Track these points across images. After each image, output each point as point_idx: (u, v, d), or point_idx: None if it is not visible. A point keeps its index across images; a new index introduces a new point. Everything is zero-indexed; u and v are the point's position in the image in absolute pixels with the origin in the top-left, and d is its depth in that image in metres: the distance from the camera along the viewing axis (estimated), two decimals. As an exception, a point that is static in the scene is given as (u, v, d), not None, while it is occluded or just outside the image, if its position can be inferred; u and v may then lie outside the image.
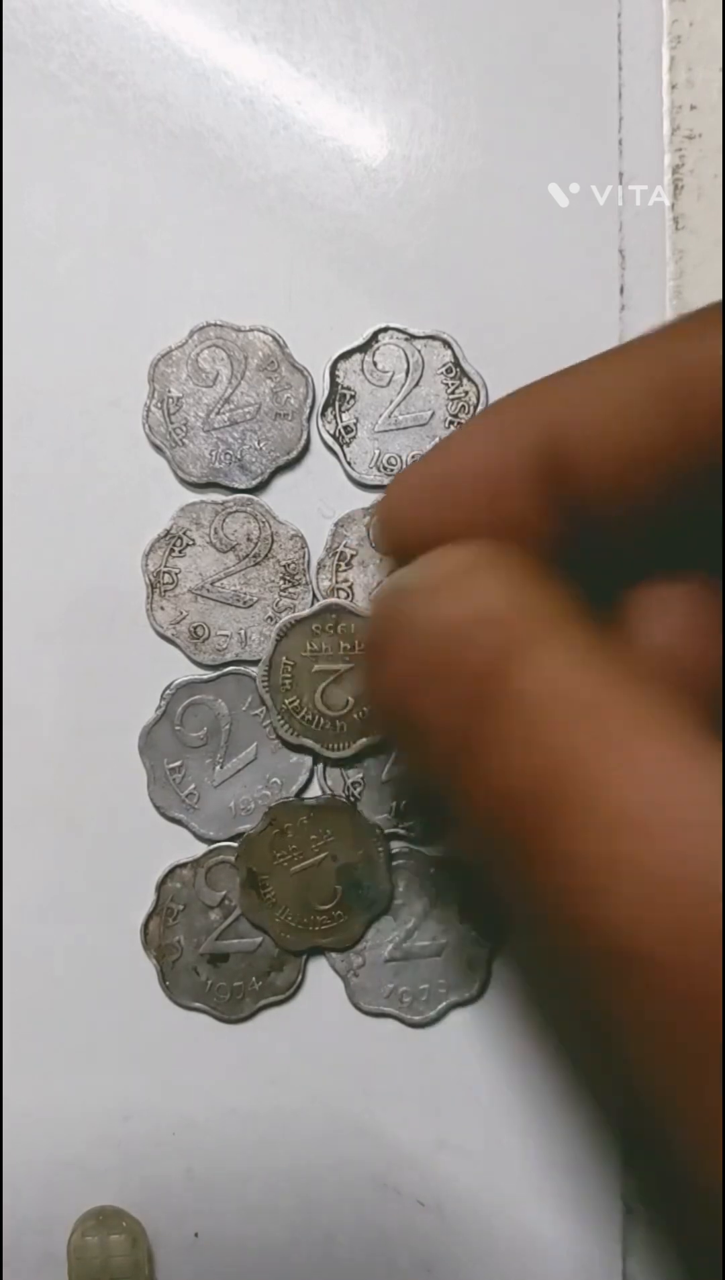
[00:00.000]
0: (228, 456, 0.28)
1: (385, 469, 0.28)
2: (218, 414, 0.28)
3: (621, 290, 0.29)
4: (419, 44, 0.29)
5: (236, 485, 0.28)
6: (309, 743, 0.28)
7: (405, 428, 0.28)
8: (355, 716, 0.28)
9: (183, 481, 0.28)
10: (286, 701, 0.28)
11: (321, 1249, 0.28)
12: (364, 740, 0.28)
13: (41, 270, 0.29)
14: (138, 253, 0.29)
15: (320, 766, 0.28)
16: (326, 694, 0.28)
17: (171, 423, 0.28)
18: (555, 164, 0.29)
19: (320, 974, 0.28)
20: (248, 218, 0.29)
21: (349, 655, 0.28)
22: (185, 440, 0.28)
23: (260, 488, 0.28)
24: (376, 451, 0.28)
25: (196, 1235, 0.28)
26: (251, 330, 0.28)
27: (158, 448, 0.28)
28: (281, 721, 0.28)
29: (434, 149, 0.29)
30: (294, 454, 0.28)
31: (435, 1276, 0.28)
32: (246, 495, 0.28)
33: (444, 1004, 0.28)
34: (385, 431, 0.28)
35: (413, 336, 0.28)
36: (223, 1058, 0.28)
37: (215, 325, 0.28)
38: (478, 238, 0.29)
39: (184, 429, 0.28)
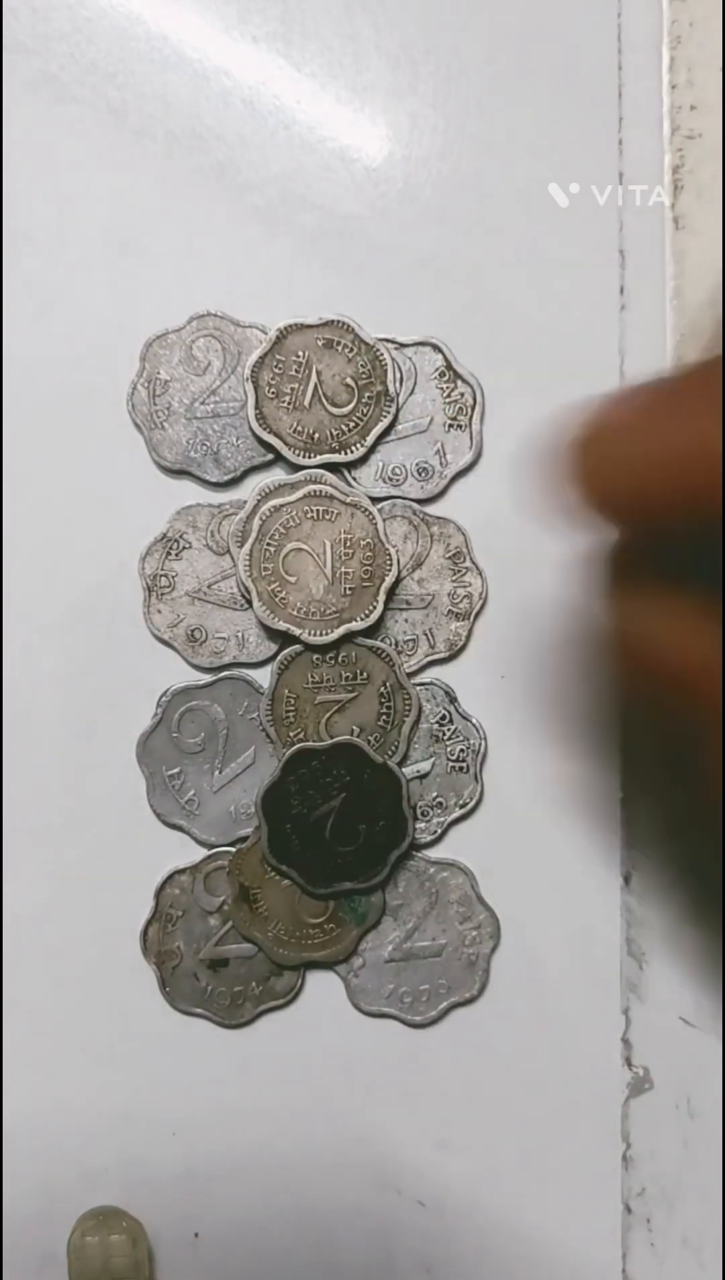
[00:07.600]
0: (204, 448, 0.28)
1: (390, 480, 0.28)
2: (202, 404, 0.28)
3: (621, 290, 0.29)
4: (419, 44, 0.29)
5: (208, 478, 0.28)
6: None
7: (405, 436, 0.28)
8: None
9: (158, 465, 0.28)
10: (291, 734, 0.28)
11: (321, 1249, 0.28)
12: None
13: (40, 271, 0.29)
14: (136, 254, 0.29)
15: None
16: (330, 725, 0.28)
17: (155, 404, 0.28)
18: (555, 164, 0.29)
19: (320, 977, 0.28)
20: (248, 217, 0.29)
21: (351, 685, 0.28)
22: (165, 424, 0.28)
23: (231, 484, 0.28)
24: (380, 464, 0.28)
25: (196, 1235, 0.28)
26: (250, 327, 0.28)
27: (137, 427, 0.28)
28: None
29: (434, 149, 0.29)
30: (271, 456, 0.28)
31: (435, 1276, 0.28)
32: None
33: (444, 1004, 0.28)
34: (387, 443, 0.28)
35: (402, 345, 0.28)
36: (223, 1063, 0.28)
37: (215, 315, 0.28)
38: (478, 238, 0.29)
39: (166, 412, 0.28)
